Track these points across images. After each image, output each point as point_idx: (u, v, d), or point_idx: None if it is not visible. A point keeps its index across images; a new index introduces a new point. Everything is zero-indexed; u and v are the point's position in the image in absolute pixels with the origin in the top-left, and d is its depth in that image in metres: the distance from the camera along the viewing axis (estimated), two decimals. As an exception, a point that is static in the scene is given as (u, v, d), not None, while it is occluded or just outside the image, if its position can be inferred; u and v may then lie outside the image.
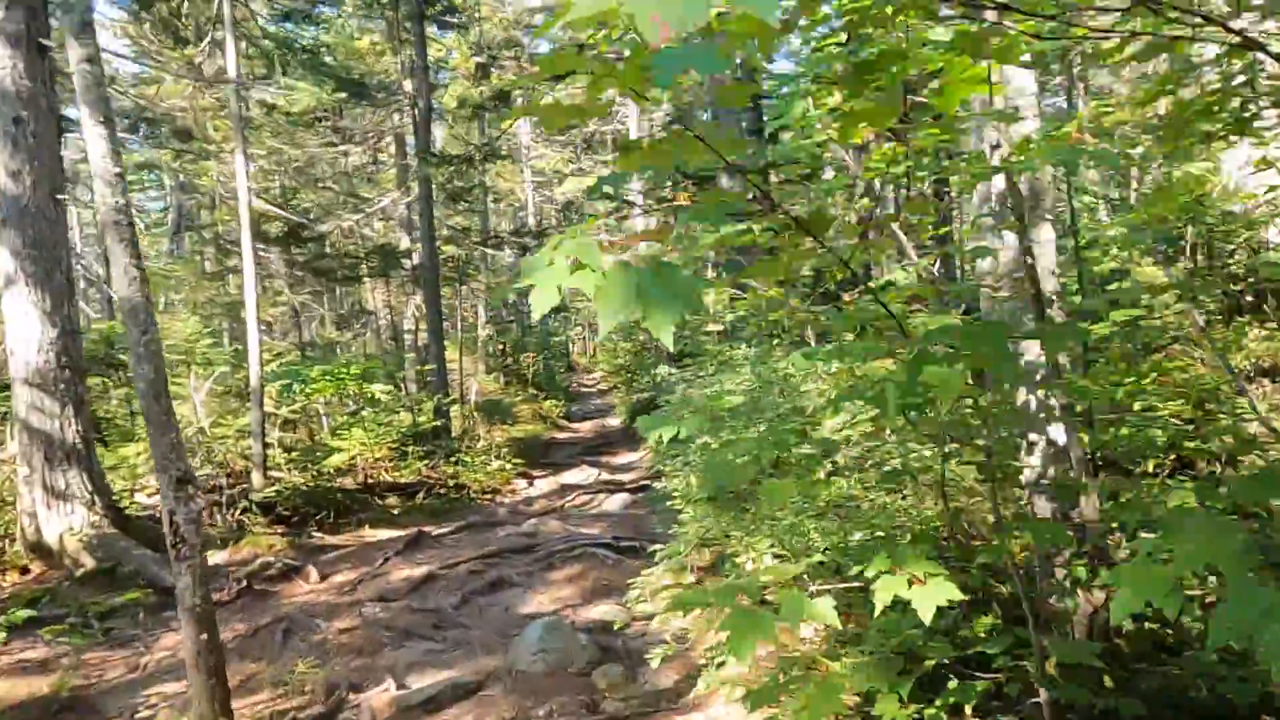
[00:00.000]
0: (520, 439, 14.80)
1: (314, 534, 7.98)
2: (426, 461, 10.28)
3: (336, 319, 22.87)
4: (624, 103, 25.86)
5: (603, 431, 18.00)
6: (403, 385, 16.71)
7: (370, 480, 9.37)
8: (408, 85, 13.16)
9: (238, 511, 7.90)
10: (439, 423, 11.51)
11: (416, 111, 12.52)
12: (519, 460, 11.62)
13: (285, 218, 10.23)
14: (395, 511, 8.97)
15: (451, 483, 10.00)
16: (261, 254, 10.77)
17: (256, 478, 8.32)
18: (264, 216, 10.03)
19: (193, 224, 19.14)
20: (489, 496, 10.17)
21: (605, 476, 11.71)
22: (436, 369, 12.49)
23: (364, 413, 9.66)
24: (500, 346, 22.28)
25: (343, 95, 13.22)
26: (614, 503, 9.35)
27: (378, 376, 8.91)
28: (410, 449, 10.29)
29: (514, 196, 26.58)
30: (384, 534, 8.20)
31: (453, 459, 10.61)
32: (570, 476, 11.81)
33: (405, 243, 14.91)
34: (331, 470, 8.89)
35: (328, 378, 8.12)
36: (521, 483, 11.12)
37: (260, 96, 12.67)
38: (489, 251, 15.48)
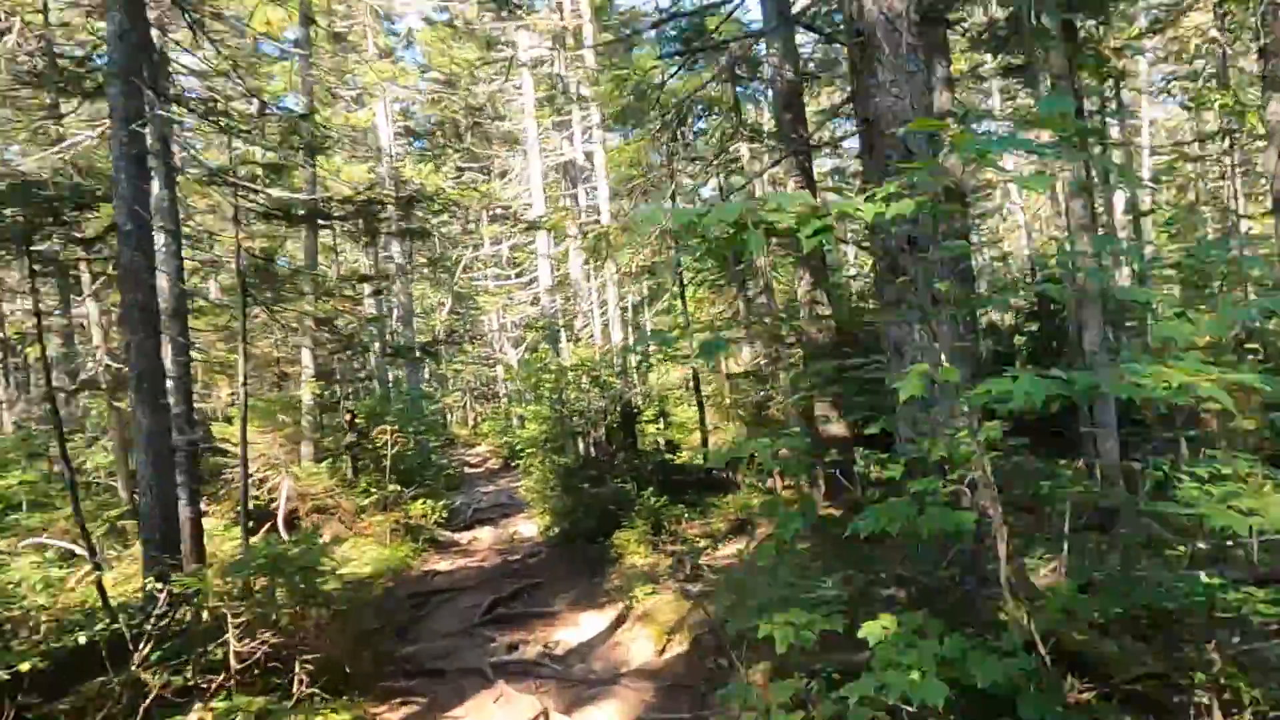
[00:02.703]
0: (360, 594, 7.60)
1: None
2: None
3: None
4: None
5: (514, 551, 10.88)
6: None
7: None
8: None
9: None
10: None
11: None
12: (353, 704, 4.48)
13: None
14: None
15: None
16: None
17: None
18: None
19: None
20: None
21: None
22: (147, 492, 5.24)
23: None
24: (349, 417, 14.60)
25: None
26: None
27: None
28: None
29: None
30: None
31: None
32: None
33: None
34: None
35: None
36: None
37: None
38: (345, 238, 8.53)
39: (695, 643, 5.85)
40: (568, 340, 14.02)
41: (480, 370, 32.28)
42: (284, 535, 9.50)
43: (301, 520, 10.80)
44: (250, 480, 9.76)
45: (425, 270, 27.97)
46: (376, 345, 11.07)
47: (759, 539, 8.95)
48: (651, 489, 9.16)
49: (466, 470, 23.38)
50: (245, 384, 7.84)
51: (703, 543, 8.95)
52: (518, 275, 23.45)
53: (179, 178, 7.21)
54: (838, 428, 8.59)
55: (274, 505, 9.72)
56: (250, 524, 9.83)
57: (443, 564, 10.29)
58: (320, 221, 8.07)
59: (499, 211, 24.16)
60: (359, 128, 20.33)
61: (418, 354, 10.65)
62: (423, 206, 8.27)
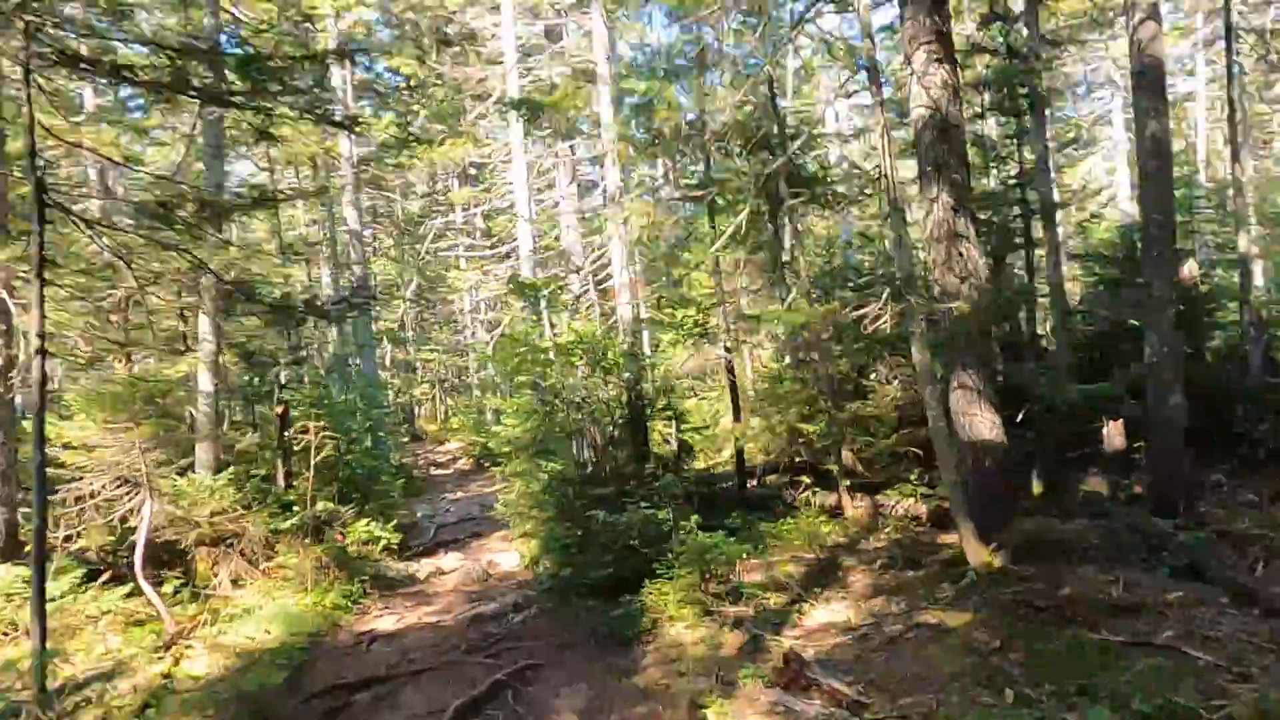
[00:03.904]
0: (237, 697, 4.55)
1: None
2: None
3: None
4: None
5: (489, 595, 7.78)
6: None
7: None
8: None
9: None
10: None
11: None
12: None
13: None
14: None
15: None
16: None
17: None
18: None
19: None
20: None
21: None
22: None
23: None
24: (281, 409, 11.24)
25: None
26: None
27: None
28: None
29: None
30: None
31: None
32: None
33: None
34: None
35: None
36: None
37: None
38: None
39: None
40: (550, 311, 10.99)
41: (451, 360, 29.09)
42: (142, 585, 6.36)
43: (192, 555, 7.66)
44: (93, 502, 6.61)
45: (389, 241, 24.72)
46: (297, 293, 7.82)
47: (861, 595, 6.01)
48: (697, 517, 6.14)
49: (433, 472, 20.17)
50: (43, 350, 4.72)
51: (774, 599, 5.99)
52: (493, 246, 20.30)
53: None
54: (988, 429, 5.64)
55: (132, 540, 6.56)
56: (92, 570, 6.70)
57: (387, 619, 7.19)
58: (174, 88, 4.92)
59: (472, 170, 21.00)
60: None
61: (337, 309, 7.54)
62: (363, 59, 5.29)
